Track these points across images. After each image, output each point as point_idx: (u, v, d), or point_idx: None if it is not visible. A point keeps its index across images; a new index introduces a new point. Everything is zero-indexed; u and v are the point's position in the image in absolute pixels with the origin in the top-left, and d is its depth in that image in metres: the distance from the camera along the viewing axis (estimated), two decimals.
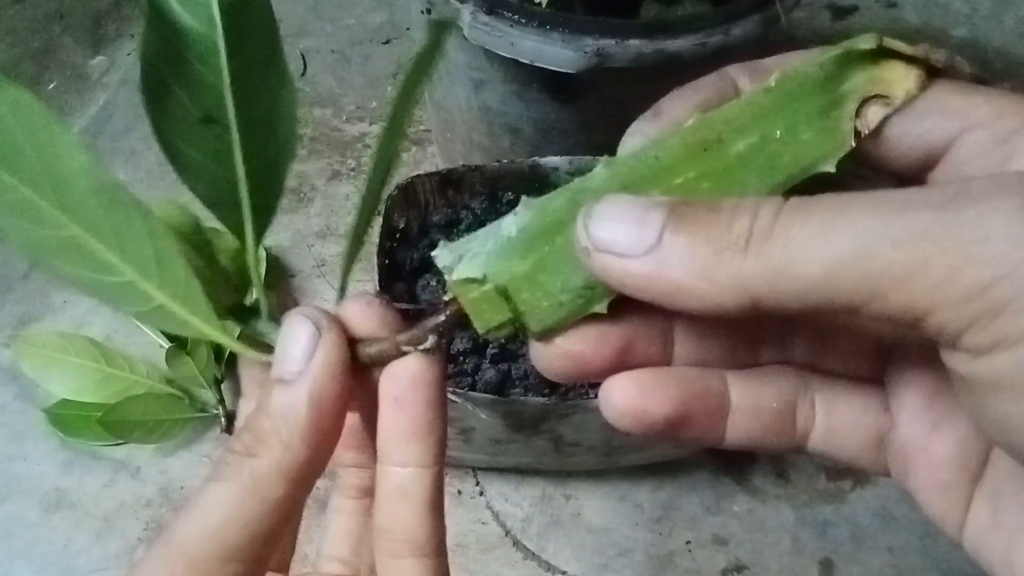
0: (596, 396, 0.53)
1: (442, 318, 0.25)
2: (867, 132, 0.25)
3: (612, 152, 0.68)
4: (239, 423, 0.25)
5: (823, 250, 0.20)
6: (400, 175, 0.84)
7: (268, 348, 0.24)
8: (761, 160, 0.24)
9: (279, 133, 0.22)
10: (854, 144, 0.26)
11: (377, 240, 0.57)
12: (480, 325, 0.25)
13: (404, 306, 0.56)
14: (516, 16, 0.54)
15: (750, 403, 0.26)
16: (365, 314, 0.24)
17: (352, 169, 0.84)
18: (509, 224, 0.24)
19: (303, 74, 0.93)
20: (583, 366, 0.25)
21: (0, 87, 0.19)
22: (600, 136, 0.64)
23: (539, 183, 0.63)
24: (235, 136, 0.21)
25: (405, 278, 0.58)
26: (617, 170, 0.24)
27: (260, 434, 0.22)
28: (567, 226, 0.23)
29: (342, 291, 0.26)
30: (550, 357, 0.25)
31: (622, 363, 0.25)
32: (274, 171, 0.23)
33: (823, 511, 0.64)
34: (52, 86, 0.91)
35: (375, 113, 0.89)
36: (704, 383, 0.25)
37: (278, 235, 0.78)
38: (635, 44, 0.54)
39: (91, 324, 0.71)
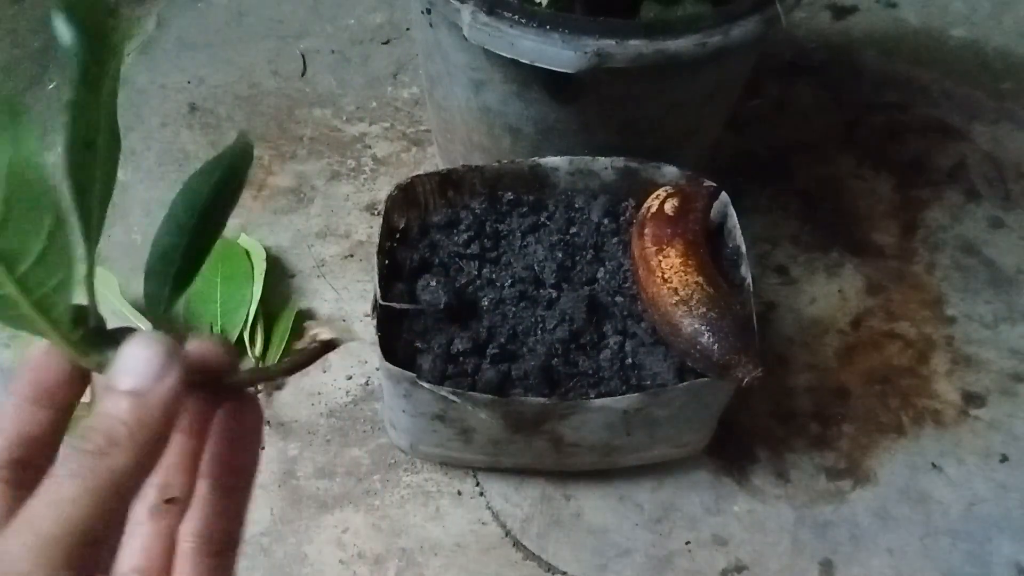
0: (596, 396, 0.53)
1: (291, 364, 0.27)
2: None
3: (612, 152, 0.67)
4: (14, 417, 0.27)
5: None
6: (400, 175, 0.84)
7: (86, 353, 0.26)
8: None
9: (111, 173, 0.25)
10: None
11: (377, 240, 0.57)
12: None
13: (404, 306, 0.56)
14: (516, 16, 0.54)
15: None
16: (204, 349, 0.27)
17: (352, 169, 0.84)
18: None
19: (303, 74, 0.93)
20: None
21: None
22: (600, 136, 0.63)
23: (539, 183, 0.63)
24: (100, 164, 0.24)
25: (405, 278, 0.58)
26: None
27: (115, 437, 0.24)
28: None
29: (96, 314, 0.27)
30: None
31: None
32: (107, 198, 0.25)
33: (823, 511, 0.64)
34: (52, 86, 0.91)
35: (375, 113, 0.89)
36: None
37: (278, 235, 0.78)
38: (635, 44, 0.54)
39: None
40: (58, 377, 0.27)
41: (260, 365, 0.68)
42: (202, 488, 0.29)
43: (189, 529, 0.29)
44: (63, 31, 0.22)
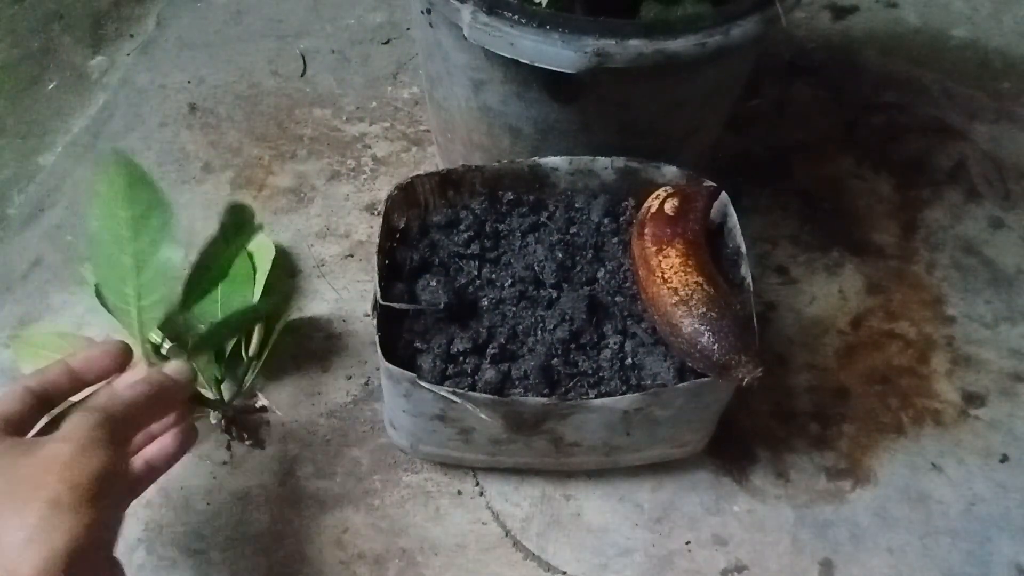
0: (596, 396, 0.53)
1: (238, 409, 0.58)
2: None
3: (612, 152, 0.68)
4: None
5: None
6: (400, 175, 0.84)
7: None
8: None
9: (215, 281, 0.50)
10: None
11: (377, 240, 0.57)
12: None
13: (404, 306, 0.56)
14: (516, 16, 0.54)
15: None
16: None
17: (352, 169, 0.84)
18: None
19: (303, 74, 0.93)
20: None
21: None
22: (600, 136, 0.63)
23: (539, 183, 0.63)
24: (210, 276, 0.48)
25: (405, 278, 0.58)
26: None
27: (165, 388, 0.46)
28: None
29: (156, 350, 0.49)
30: None
31: None
32: (206, 292, 0.50)
33: (823, 511, 0.64)
34: (52, 86, 0.91)
35: (375, 113, 0.89)
36: None
37: (278, 235, 0.78)
38: (635, 44, 0.54)
39: (90, 324, 0.71)
40: (110, 367, 0.47)
41: (251, 367, 0.68)
42: (137, 461, 0.51)
43: None
44: (223, 216, 0.45)
